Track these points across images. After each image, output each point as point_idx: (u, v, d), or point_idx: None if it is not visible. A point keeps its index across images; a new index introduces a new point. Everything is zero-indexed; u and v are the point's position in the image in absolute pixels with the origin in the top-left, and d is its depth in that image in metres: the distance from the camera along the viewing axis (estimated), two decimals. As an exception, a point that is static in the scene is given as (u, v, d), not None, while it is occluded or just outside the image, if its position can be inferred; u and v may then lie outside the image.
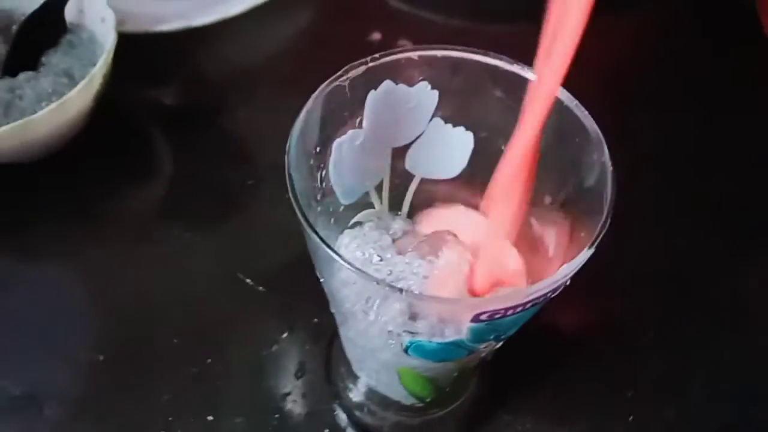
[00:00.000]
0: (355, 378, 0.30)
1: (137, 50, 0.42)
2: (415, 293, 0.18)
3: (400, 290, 0.16)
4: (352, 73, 0.21)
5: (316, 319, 0.34)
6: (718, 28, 0.48)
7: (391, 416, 0.30)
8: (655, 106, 0.43)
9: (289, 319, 0.34)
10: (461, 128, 0.24)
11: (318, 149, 0.21)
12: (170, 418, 0.31)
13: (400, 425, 0.31)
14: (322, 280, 0.20)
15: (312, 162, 0.21)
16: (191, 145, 0.41)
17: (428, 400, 0.27)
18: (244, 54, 0.45)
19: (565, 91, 0.21)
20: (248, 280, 0.35)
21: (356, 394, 0.31)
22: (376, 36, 0.46)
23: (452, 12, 0.47)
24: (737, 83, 0.45)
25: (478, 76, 0.22)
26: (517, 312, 0.17)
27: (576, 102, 0.20)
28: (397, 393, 0.27)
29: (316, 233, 0.17)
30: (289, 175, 0.18)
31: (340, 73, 0.20)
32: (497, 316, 0.17)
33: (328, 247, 0.17)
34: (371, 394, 0.30)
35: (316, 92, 0.20)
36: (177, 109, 0.43)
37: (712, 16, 0.49)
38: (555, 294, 0.18)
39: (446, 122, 0.24)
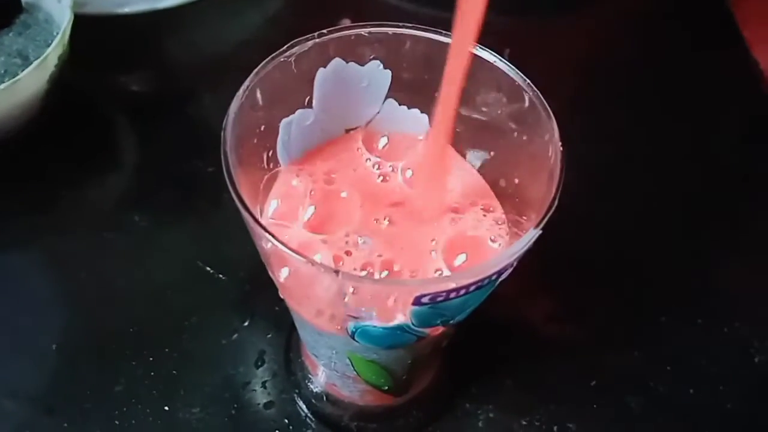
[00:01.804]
0: (315, 368, 0.30)
1: (100, 34, 0.41)
2: (352, 275, 0.17)
3: (336, 272, 0.15)
4: (298, 49, 0.20)
5: (276, 308, 0.33)
6: (695, 24, 0.48)
7: (352, 406, 0.30)
8: (627, 100, 0.43)
9: (250, 308, 0.33)
10: (416, 110, 0.23)
11: (263, 128, 0.20)
12: (124, 409, 0.30)
13: (361, 414, 0.30)
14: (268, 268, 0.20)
15: (256, 141, 0.20)
16: (154, 133, 0.40)
17: (385, 388, 0.26)
18: (210, 40, 0.44)
19: (518, 72, 0.20)
20: (209, 269, 0.34)
21: (317, 384, 0.30)
22: (345, 23, 0.45)
23: (423, 1, 0.46)
24: (710, 78, 0.45)
25: (431, 54, 0.21)
26: (461, 295, 0.16)
27: (528, 81, 0.19)
28: (352, 388, 0.26)
29: (243, 203, 0.16)
30: (224, 152, 0.17)
31: (284, 48, 0.20)
32: (439, 299, 0.16)
33: (256, 221, 0.16)
34: (332, 383, 0.30)
35: (258, 67, 0.19)
36: (141, 96, 0.42)
37: (689, 12, 0.49)
38: (502, 277, 0.18)
39: (400, 104, 0.23)
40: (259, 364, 0.32)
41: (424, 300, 0.16)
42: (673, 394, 0.32)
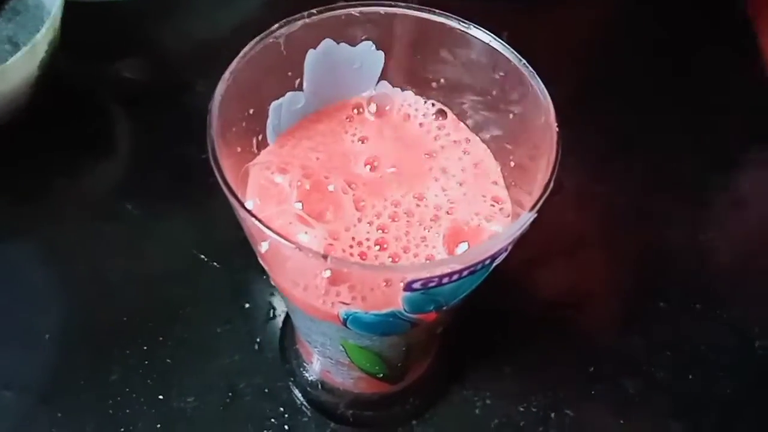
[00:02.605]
0: (310, 356, 0.29)
1: (93, 21, 0.41)
2: (341, 260, 0.17)
3: (325, 257, 0.15)
4: (287, 29, 0.19)
5: (271, 296, 0.33)
6: (698, 9, 0.47)
7: (348, 393, 0.30)
8: (627, 84, 0.43)
9: (245, 296, 0.33)
10: (409, 92, 0.23)
11: (252, 111, 0.20)
12: (118, 398, 0.30)
13: (356, 402, 0.30)
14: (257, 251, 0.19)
15: (245, 125, 0.20)
16: (147, 120, 0.39)
17: (380, 376, 0.26)
18: (204, 26, 0.43)
19: (514, 52, 0.19)
20: (203, 257, 0.34)
21: (311, 373, 0.30)
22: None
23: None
24: (714, 65, 0.44)
25: (424, 34, 0.20)
26: (454, 280, 0.16)
27: (524, 62, 0.19)
28: (346, 375, 0.26)
29: (228, 186, 0.16)
30: (210, 136, 0.17)
31: (273, 28, 0.19)
32: (431, 284, 0.16)
33: (242, 205, 0.16)
34: (326, 371, 0.29)
35: (247, 47, 0.19)
36: (133, 83, 0.41)
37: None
38: (496, 261, 0.17)
39: (394, 86, 0.22)
40: (254, 352, 0.31)
41: (416, 286, 0.16)
42: (671, 379, 0.31)
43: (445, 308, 0.19)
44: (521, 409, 0.30)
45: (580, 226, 0.36)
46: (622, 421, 0.30)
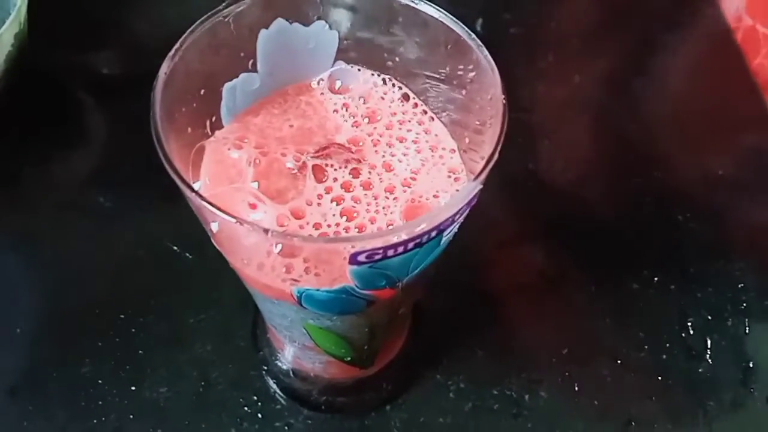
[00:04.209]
0: (281, 344, 0.29)
1: (65, 12, 0.41)
2: (282, 233, 0.17)
3: (266, 231, 0.15)
4: (235, 8, 0.19)
5: (242, 286, 0.33)
6: None
7: (320, 380, 0.29)
8: (602, 69, 0.43)
9: (217, 286, 0.33)
10: (367, 71, 0.22)
11: (203, 92, 0.20)
12: (90, 390, 0.30)
13: (329, 388, 0.30)
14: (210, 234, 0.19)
15: (196, 105, 0.20)
16: (119, 111, 0.39)
17: (348, 359, 0.26)
18: (175, 16, 0.43)
19: (462, 25, 0.19)
20: (175, 248, 0.34)
21: (284, 361, 0.30)
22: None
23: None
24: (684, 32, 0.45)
25: (376, 13, 0.20)
26: (399, 253, 0.16)
27: (472, 35, 0.19)
28: (315, 360, 0.26)
29: (171, 165, 0.16)
30: (153, 115, 0.17)
31: (221, 7, 0.19)
32: (377, 257, 0.16)
33: (184, 182, 0.15)
34: (297, 358, 0.29)
35: (193, 26, 0.19)
36: (105, 74, 0.41)
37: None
38: (445, 234, 0.17)
39: (351, 65, 0.22)
40: (226, 342, 0.31)
41: (361, 258, 0.16)
42: (645, 360, 0.31)
43: (400, 285, 0.19)
44: (495, 392, 0.30)
45: (553, 207, 0.36)
46: (596, 402, 0.30)
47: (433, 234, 0.16)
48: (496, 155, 0.16)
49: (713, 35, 0.45)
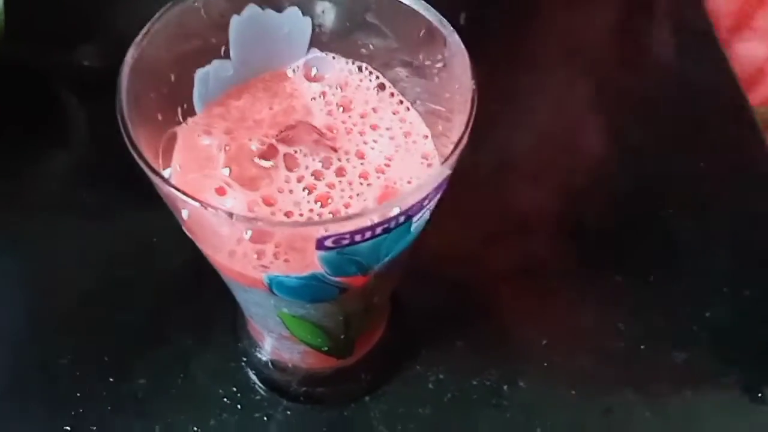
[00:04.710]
0: (260, 335, 0.29)
1: (49, 10, 0.40)
2: (246, 217, 0.17)
3: (230, 214, 0.15)
4: (205, -7, 0.19)
5: (223, 278, 0.33)
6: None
7: (299, 370, 0.29)
8: (586, 61, 0.43)
9: (197, 279, 0.32)
10: (341, 59, 0.22)
11: (174, 78, 0.20)
12: (70, 383, 0.30)
13: (308, 379, 0.30)
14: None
15: (166, 92, 0.19)
16: (102, 108, 0.38)
17: (325, 349, 0.26)
18: (160, 8, 0.43)
19: (434, 11, 0.19)
20: (155, 240, 0.34)
21: (263, 353, 0.30)
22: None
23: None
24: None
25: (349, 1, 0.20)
26: (367, 238, 0.16)
27: (443, 20, 0.19)
28: (293, 350, 0.26)
29: (138, 152, 0.15)
30: (119, 101, 0.16)
31: (191, -8, 0.19)
32: (345, 242, 0.16)
33: (153, 170, 0.15)
34: (279, 350, 0.29)
35: (161, 10, 0.18)
36: (89, 70, 0.41)
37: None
38: (414, 220, 0.17)
39: (325, 53, 0.22)
40: (206, 333, 0.31)
41: (328, 243, 0.16)
42: (624, 352, 0.31)
43: (372, 273, 0.19)
44: (475, 383, 0.30)
45: (535, 198, 0.36)
46: (573, 392, 0.30)
47: (402, 219, 0.16)
48: (465, 141, 0.16)
49: (695, 30, 0.45)
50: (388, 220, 0.16)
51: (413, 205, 0.16)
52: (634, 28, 0.45)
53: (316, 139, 0.21)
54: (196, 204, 0.15)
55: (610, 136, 0.39)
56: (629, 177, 0.38)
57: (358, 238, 0.16)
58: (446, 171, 0.16)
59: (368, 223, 0.15)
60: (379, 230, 0.16)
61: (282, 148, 0.20)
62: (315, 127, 0.21)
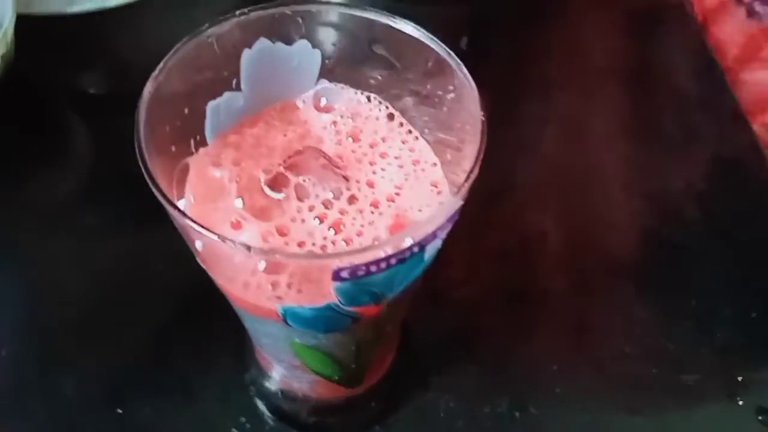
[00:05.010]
0: (269, 364, 0.29)
1: (50, 34, 0.41)
2: (263, 249, 0.17)
3: (248, 248, 0.15)
4: (218, 29, 0.19)
5: (229, 304, 0.32)
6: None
7: (309, 400, 0.29)
8: (585, 85, 0.43)
9: (204, 304, 0.32)
10: (350, 90, 0.23)
11: (187, 111, 0.20)
12: (74, 411, 0.29)
13: (318, 409, 0.29)
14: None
15: (180, 124, 0.20)
16: (106, 131, 0.39)
17: (336, 378, 0.25)
18: (161, 37, 0.43)
19: (440, 43, 0.20)
20: (161, 265, 0.33)
21: (272, 382, 0.30)
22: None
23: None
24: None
25: (357, 32, 0.21)
26: (383, 269, 0.16)
27: (450, 52, 0.19)
28: (302, 380, 0.26)
29: (156, 184, 0.16)
30: (137, 134, 0.17)
31: (204, 27, 0.19)
32: (360, 273, 0.16)
33: (167, 200, 0.15)
34: (285, 379, 0.29)
35: (176, 46, 0.19)
36: (92, 95, 0.41)
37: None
38: (427, 250, 0.17)
39: (334, 83, 0.23)
40: (213, 361, 0.31)
41: (344, 275, 0.16)
42: (634, 374, 0.31)
43: (385, 302, 0.19)
44: (486, 410, 0.30)
45: (541, 223, 0.36)
46: (587, 418, 0.30)
47: (416, 249, 0.16)
48: (476, 171, 0.16)
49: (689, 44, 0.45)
50: (403, 251, 0.16)
51: (427, 236, 0.16)
52: (639, 48, 0.45)
53: (323, 164, 0.21)
54: (214, 237, 0.15)
55: (613, 156, 0.40)
56: (632, 196, 0.38)
57: (373, 269, 0.16)
58: (459, 202, 0.16)
59: (383, 255, 0.15)
60: (394, 261, 0.16)
61: (292, 178, 0.21)
62: (322, 152, 0.21)
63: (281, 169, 0.21)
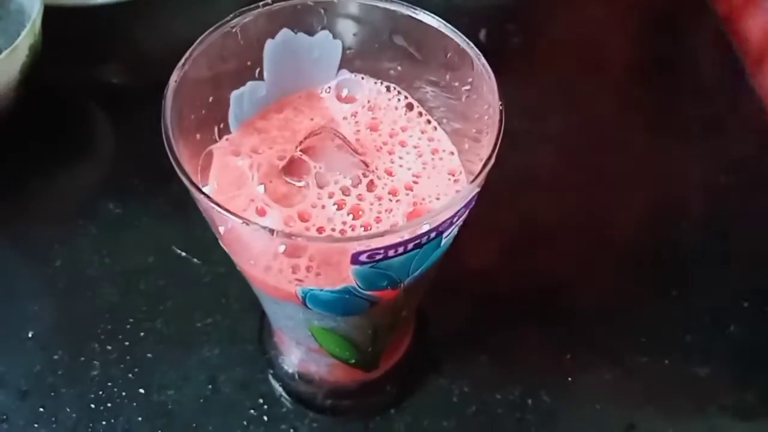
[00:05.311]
0: (287, 347, 0.30)
1: (74, 25, 0.42)
2: (286, 233, 0.17)
3: (271, 231, 0.16)
4: (241, 19, 0.20)
5: (248, 290, 0.33)
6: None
7: (325, 383, 0.30)
8: (605, 79, 0.43)
9: (224, 291, 0.33)
10: (371, 80, 0.23)
11: (211, 99, 0.21)
12: (100, 392, 0.30)
13: (334, 392, 0.30)
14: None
15: (204, 113, 0.20)
16: (128, 121, 0.40)
17: (352, 361, 0.26)
18: (183, 27, 0.44)
19: (460, 34, 0.20)
20: (182, 253, 0.34)
21: (289, 364, 0.30)
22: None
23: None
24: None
25: (378, 23, 0.21)
26: (400, 254, 0.17)
27: (469, 43, 0.19)
28: (320, 362, 0.27)
29: (182, 169, 0.16)
30: (164, 122, 0.17)
31: (229, 18, 0.20)
32: (378, 257, 0.16)
33: (196, 188, 0.16)
34: (303, 361, 0.30)
35: (202, 36, 0.19)
36: (114, 85, 0.42)
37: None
38: (445, 236, 0.18)
39: (354, 73, 0.23)
40: (233, 345, 0.32)
41: (363, 258, 0.16)
42: (646, 365, 0.32)
43: (402, 286, 0.20)
44: (498, 396, 0.31)
45: (557, 216, 0.36)
46: (597, 406, 0.30)
47: (433, 235, 0.17)
48: (493, 159, 0.17)
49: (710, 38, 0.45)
50: (420, 236, 0.16)
51: (444, 222, 0.17)
52: (656, 42, 0.45)
53: (339, 144, 0.21)
54: (238, 220, 0.16)
55: (630, 150, 0.40)
56: (649, 191, 0.38)
57: (391, 253, 0.16)
58: (475, 189, 0.17)
59: (401, 239, 0.16)
60: (411, 246, 0.16)
61: (310, 162, 0.21)
62: (338, 132, 0.21)
63: (298, 152, 0.21)
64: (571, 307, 0.33)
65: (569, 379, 0.31)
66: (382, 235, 0.16)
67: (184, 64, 0.19)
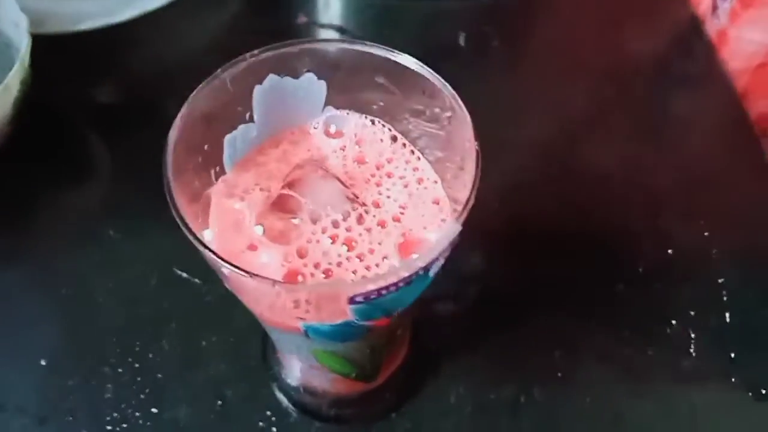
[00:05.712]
0: (289, 361, 0.31)
1: (63, 52, 0.42)
2: (287, 284, 0.19)
3: (273, 282, 0.17)
4: (232, 71, 0.21)
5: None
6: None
7: (328, 394, 0.32)
8: (584, 88, 0.44)
9: (227, 310, 0.35)
10: (355, 114, 0.24)
11: (207, 147, 0.22)
12: (114, 414, 0.32)
13: (337, 402, 0.32)
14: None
15: (201, 160, 0.22)
16: (123, 144, 0.41)
17: (353, 376, 0.28)
18: (171, 48, 0.45)
19: (438, 77, 0.21)
20: (184, 274, 0.36)
21: (292, 377, 0.32)
22: (302, 19, 0.46)
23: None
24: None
25: (358, 63, 0.22)
26: (392, 291, 0.18)
27: (447, 85, 0.21)
28: (322, 377, 0.28)
29: (185, 223, 0.17)
30: (166, 178, 0.18)
31: (218, 72, 0.21)
32: (373, 297, 0.18)
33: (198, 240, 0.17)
34: (308, 377, 0.31)
35: (195, 92, 0.20)
36: (108, 109, 0.43)
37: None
38: (432, 270, 0.19)
39: (338, 109, 0.24)
40: (239, 361, 0.33)
41: (359, 299, 0.18)
42: (633, 358, 0.33)
43: (395, 314, 0.21)
44: (492, 396, 0.32)
45: (542, 217, 0.38)
46: (587, 400, 0.32)
47: (421, 272, 0.18)
48: (473, 200, 0.18)
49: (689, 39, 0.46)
50: (410, 276, 0.18)
51: (431, 261, 0.18)
52: (639, 47, 0.46)
53: (323, 174, 0.22)
54: (243, 274, 0.17)
55: (613, 152, 0.41)
56: (632, 191, 0.39)
57: (384, 292, 0.18)
58: (458, 228, 0.18)
59: (392, 281, 0.17)
60: (402, 284, 0.18)
61: (297, 197, 0.22)
62: (320, 164, 0.23)
63: (285, 189, 0.22)
64: (557, 307, 0.35)
65: (559, 375, 0.33)
66: (374, 280, 0.17)
67: (179, 121, 0.20)
